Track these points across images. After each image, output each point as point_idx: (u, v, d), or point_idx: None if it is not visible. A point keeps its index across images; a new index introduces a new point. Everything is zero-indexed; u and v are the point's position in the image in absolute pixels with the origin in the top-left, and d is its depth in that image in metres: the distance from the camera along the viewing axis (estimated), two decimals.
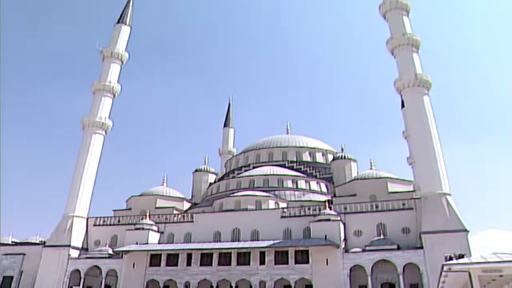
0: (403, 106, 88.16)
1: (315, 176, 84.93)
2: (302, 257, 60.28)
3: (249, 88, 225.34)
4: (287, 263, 60.37)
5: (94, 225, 75.79)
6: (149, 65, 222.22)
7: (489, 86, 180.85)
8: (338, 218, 62.23)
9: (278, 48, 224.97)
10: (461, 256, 27.07)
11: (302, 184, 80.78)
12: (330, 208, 64.94)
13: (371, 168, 77.96)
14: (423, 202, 60.32)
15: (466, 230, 55.73)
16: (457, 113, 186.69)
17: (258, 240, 65.43)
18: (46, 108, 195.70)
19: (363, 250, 58.95)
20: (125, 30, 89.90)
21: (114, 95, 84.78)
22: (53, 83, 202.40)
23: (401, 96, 73.60)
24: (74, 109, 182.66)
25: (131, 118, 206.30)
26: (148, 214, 72.67)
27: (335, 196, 74.27)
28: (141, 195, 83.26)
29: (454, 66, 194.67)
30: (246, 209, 71.34)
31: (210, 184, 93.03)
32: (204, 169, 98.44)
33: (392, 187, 70.38)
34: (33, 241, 79.21)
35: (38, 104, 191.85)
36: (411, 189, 71.77)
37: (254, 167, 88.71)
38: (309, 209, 67.66)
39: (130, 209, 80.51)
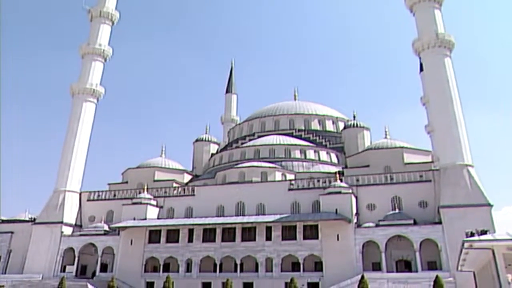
0: (421, 69, 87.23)
1: (325, 146, 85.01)
2: (311, 232, 61.11)
3: (253, 50, 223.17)
4: (295, 238, 61.28)
5: (88, 200, 76.73)
6: (144, 26, 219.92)
7: None
8: (350, 191, 62.66)
9: (286, 6, 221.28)
10: (483, 232, 27.21)
11: (310, 154, 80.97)
12: (341, 180, 65.28)
13: (385, 137, 77.89)
14: (442, 174, 60.39)
15: (489, 205, 55.95)
16: (481, 78, 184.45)
17: (264, 214, 66.21)
18: (30, 75, 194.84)
19: (377, 225, 59.57)
20: None
21: (105, 59, 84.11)
22: (37, 47, 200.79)
23: (420, 58, 72.59)
24: (62, 75, 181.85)
25: (125, 85, 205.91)
26: (146, 187, 73.42)
27: (346, 167, 74.59)
28: (138, 167, 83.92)
29: (481, 23, 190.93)
30: (251, 181, 71.88)
31: (212, 154, 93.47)
32: (205, 138, 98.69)
33: (409, 157, 70.49)
34: (22, 218, 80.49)
35: (22, 70, 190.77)
36: (429, 159, 71.88)
37: (259, 136, 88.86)
38: (318, 181, 68.09)
39: (126, 182, 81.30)
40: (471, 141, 62.86)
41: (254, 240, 62.75)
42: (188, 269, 64.48)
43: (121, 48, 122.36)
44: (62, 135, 79.20)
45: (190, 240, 65.58)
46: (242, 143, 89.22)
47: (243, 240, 63.29)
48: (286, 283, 56.06)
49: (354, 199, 62.12)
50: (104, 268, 68.99)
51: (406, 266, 58.75)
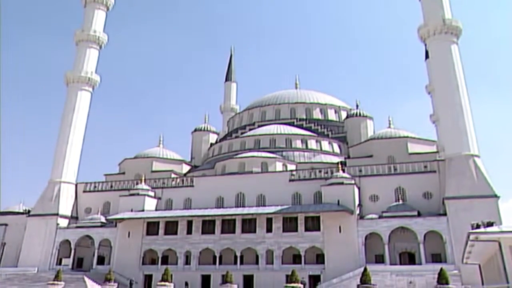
0: (427, 56, 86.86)
1: (327, 135, 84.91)
2: (313, 224, 61.26)
3: (253, 37, 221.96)
4: (296, 230, 61.45)
5: (84, 191, 76.81)
6: (140, 11, 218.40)
7: None
8: (352, 182, 62.65)
9: None
10: (490, 224, 27.16)
11: (312, 144, 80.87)
12: (344, 171, 65.31)
13: (389, 127, 77.66)
14: (448, 164, 60.30)
15: (496, 196, 55.97)
16: (489, 65, 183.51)
17: (264, 205, 66.30)
18: (23, 62, 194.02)
19: (380, 217, 59.64)
20: None
21: (100, 46, 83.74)
22: (31, 34, 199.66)
23: (426, 45, 72.17)
24: (56, 62, 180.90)
25: (121, 73, 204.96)
26: (143, 178, 73.40)
27: (349, 157, 74.52)
28: (135, 157, 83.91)
29: (489, 8, 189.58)
30: (251, 172, 71.93)
31: (211, 144, 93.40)
32: (204, 128, 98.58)
33: (413, 147, 70.34)
34: (16, 210, 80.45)
35: (14, 57, 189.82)
36: (434, 149, 71.73)
37: (259, 126, 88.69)
38: (320, 171, 68.10)
39: (123, 173, 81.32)
40: (477, 131, 62.82)
41: (255, 232, 62.92)
42: (187, 261, 64.73)
43: (116, 35, 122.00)
44: (57, 125, 79.27)
45: (189, 232, 65.74)
46: (242, 133, 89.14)
47: (243, 232, 63.45)
48: (287, 276, 55.78)
49: (356, 190, 62.13)
50: (101, 260, 69.35)
51: (409, 258, 58.91)
